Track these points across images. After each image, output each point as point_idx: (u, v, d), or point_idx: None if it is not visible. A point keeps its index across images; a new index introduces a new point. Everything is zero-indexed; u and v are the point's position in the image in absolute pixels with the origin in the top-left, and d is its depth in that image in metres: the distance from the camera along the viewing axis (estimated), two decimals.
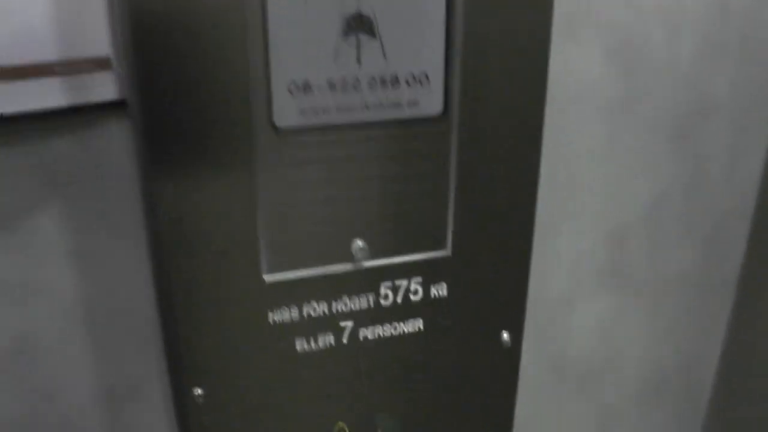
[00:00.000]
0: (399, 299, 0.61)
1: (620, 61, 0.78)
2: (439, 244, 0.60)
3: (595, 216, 0.86)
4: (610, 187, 0.86)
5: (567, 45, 0.75)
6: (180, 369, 0.57)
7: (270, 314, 0.57)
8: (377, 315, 0.61)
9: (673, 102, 0.84)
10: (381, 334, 0.61)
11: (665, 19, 0.79)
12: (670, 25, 0.80)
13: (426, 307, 0.62)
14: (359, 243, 0.58)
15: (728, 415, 1.11)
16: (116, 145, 0.60)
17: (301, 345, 0.59)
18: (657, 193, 0.89)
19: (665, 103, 0.83)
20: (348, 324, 0.60)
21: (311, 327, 0.59)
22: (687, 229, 0.93)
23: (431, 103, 0.56)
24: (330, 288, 0.58)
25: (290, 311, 0.58)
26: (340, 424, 0.63)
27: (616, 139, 0.83)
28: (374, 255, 0.59)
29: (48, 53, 0.53)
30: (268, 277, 0.56)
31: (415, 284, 0.61)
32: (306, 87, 0.52)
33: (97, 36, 0.55)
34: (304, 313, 0.58)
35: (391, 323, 0.62)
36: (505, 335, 0.66)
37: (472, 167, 0.58)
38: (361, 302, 0.60)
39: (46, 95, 0.53)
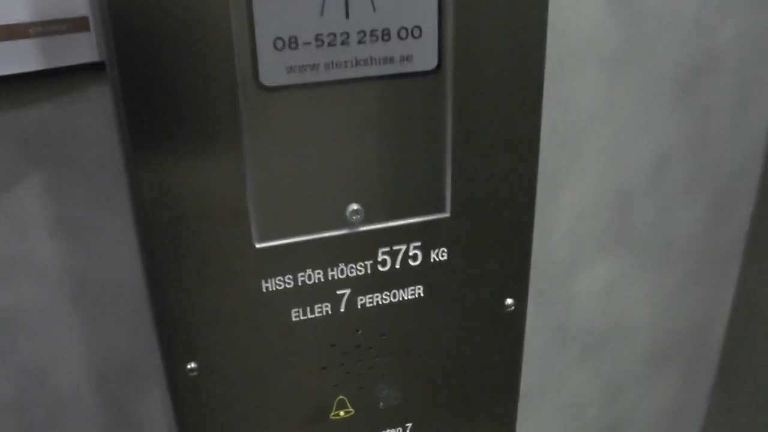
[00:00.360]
0: (398, 265, 0.59)
1: (622, 12, 0.76)
2: (438, 207, 0.58)
3: (597, 175, 0.84)
4: (613, 145, 0.83)
5: None
6: (172, 344, 0.55)
7: (263, 283, 0.55)
8: (375, 281, 0.59)
9: (678, 55, 0.81)
10: (380, 302, 0.59)
11: None
12: None
13: (426, 273, 0.60)
14: (354, 206, 0.55)
15: (738, 379, 1.10)
16: (97, 109, 0.58)
17: (296, 314, 0.57)
18: (662, 151, 0.86)
19: (669, 56, 0.81)
20: (345, 291, 0.58)
21: (307, 295, 0.57)
22: (693, 187, 0.91)
23: (425, 57, 0.53)
24: (325, 254, 0.56)
25: (284, 280, 0.56)
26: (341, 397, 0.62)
27: (619, 93, 0.80)
28: (370, 219, 0.56)
29: (21, 14, 0.50)
30: (260, 245, 0.54)
31: (414, 249, 0.59)
32: (292, 43, 0.50)
33: None
34: (299, 282, 0.56)
35: (390, 290, 0.60)
36: (509, 300, 0.64)
37: (470, 124, 0.56)
38: (358, 268, 0.58)
39: (20, 59, 0.51)
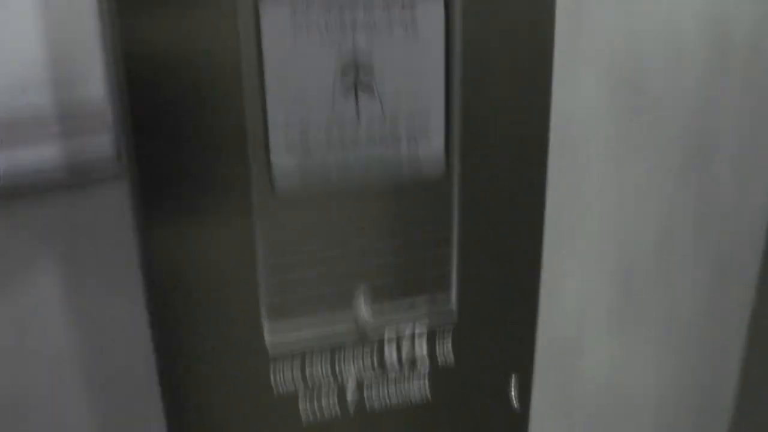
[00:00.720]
0: (404, 350, 0.60)
1: (624, 99, 0.77)
2: (443, 291, 0.59)
3: (603, 253, 0.85)
4: (618, 223, 0.84)
5: (570, 85, 0.74)
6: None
7: (272, 371, 0.56)
8: (381, 366, 0.59)
9: (678, 136, 0.82)
10: (386, 383, 0.60)
11: (666, 53, 0.78)
12: (671, 58, 0.78)
13: (431, 356, 0.61)
14: (362, 296, 0.56)
15: None
16: (113, 201, 0.59)
17: (303, 402, 0.58)
18: (665, 227, 0.87)
19: (670, 138, 0.82)
20: (351, 376, 0.59)
21: (314, 382, 0.58)
22: (696, 261, 0.92)
23: (433, 160, 0.54)
24: (332, 341, 0.57)
25: (292, 367, 0.57)
26: None
27: (622, 176, 0.81)
28: (378, 303, 0.57)
29: (45, 110, 0.52)
30: (270, 333, 0.55)
31: (420, 329, 0.59)
32: (305, 144, 0.51)
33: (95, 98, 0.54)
34: (307, 367, 0.57)
35: (396, 373, 0.60)
36: (514, 380, 0.64)
37: (475, 216, 0.57)
38: (365, 354, 0.59)
39: (43, 161, 0.53)
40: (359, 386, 0.59)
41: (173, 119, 0.48)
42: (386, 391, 0.60)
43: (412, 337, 0.59)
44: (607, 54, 0.75)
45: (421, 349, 0.60)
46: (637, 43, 0.77)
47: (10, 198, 0.56)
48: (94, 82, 0.54)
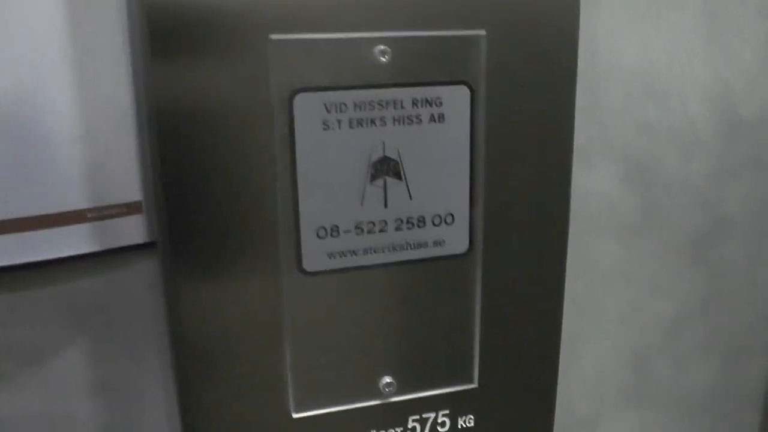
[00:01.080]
0: (427, 429, 0.61)
1: (636, 185, 0.79)
2: (466, 377, 0.60)
3: (616, 336, 0.86)
4: (631, 308, 0.85)
5: (584, 172, 0.76)
6: None
7: None
8: None
9: (690, 222, 0.84)
10: None
11: (678, 142, 0.80)
12: (683, 148, 0.81)
13: None
14: (387, 379, 0.58)
15: None
16: (145, 283, 0.61)
17: None
18: (677, 312, 0.88)
19: (682, 224, 0.84)
20: None
21: None
22: (709, 346, 0.92)
23: (457, 241, 0.56)
24: (358, 423, 0.58)
25: None
26: None
27: (635, 260, 0.83)
28: (402, 390, 0.58)
29: (81, 201, 0.54)
30: (297, 414, 0.56)
31: (443, 417, 0.60)
32: (334, 231, 0.53)
33: (128, 183, 0.56)
34: None
35: None
36: None
37: (497, 301, 0.59)
38: None
39: (78, 241, 0.54)
40: None
41: (205, 202, 0.50)
42: None
43: (435, 415, 0.60)
44: (621, 140, 0.77)
45: (443, 427, 0.61)
46: (650, 132, 0.79)
47: (41, 279, 0.58)
48: (132, 179, 0.56)
